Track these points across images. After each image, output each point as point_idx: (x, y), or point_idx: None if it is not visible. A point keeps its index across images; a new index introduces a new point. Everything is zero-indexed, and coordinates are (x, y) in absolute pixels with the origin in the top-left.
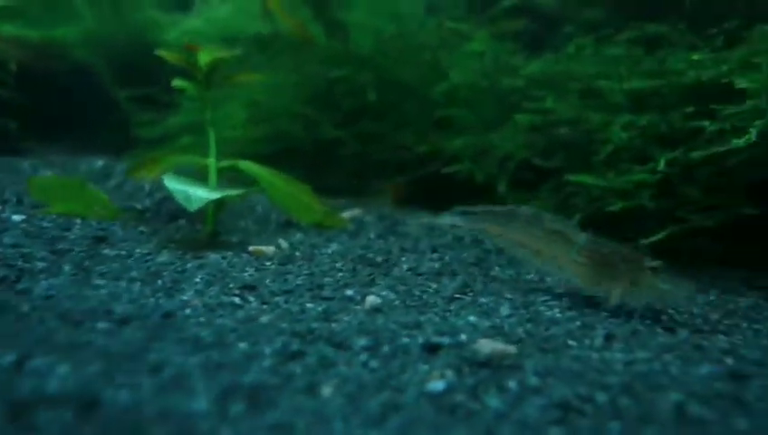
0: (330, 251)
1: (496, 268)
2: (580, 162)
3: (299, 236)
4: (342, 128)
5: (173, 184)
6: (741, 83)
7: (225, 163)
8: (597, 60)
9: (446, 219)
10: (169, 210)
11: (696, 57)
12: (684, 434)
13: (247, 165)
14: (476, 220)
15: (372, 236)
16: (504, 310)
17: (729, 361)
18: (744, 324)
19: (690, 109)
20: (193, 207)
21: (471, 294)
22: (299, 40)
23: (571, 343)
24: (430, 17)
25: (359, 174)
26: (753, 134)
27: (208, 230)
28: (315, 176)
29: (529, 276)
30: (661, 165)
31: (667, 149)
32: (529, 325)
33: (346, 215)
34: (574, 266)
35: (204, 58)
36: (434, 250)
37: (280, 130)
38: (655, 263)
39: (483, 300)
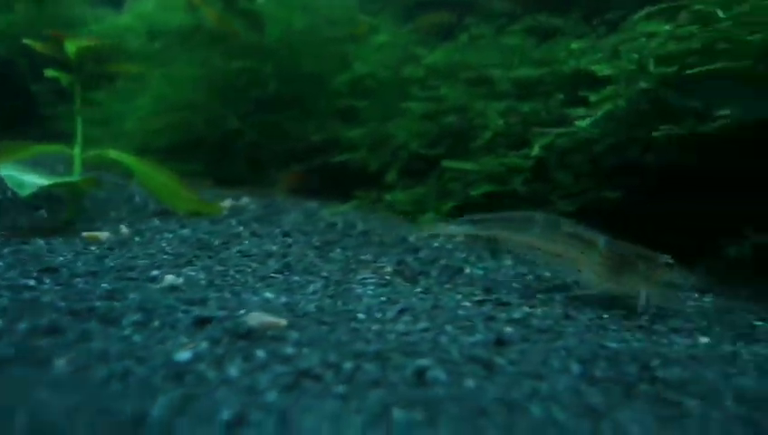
0: (171, 236)
1: (338, 250)
2: (461, 150)
3: (156, 222)
4: (244, 119)
5: (6, 171)
6: (603, 70)
7: (92, 153)
8: (491, 49)
9: (456, 229)
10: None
11: (574, 46)
12: (410, 395)
13: (117, 155)
14: (488, 227)
15: (234, 223)
16: (313, 287)
17: (509, 329)
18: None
19: (560, 96)
20: (25, 193)
21: (287, 273)
22: (220, 32)
23: (361, 316)
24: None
25: (259, 164)
26: (598, 116)
27: (66, 218)
28: (218, 166)
29: (364, 257)
30: (535, 150)
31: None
32: (328, 301)
33: (227, 203)
34: (595, 268)
35: (70, 47)
36: (286, 235)
37: (183, 121)
38: (667, 258)
39: (296, 278)
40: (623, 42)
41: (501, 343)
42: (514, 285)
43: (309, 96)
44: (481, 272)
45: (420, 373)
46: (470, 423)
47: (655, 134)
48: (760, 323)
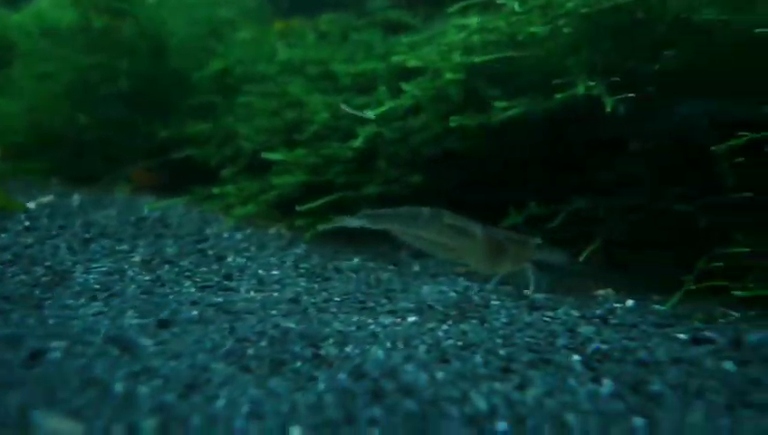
0: None
1: (104, 241)
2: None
3: None
4: (95, 115)
5: None
6: (411, 62)
7: None
8: (340, 45)
9: (353, 222)
10: None
11: (405, 40)
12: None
13: None
14: (381, 221)
15: (23, 217)
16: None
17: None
18: None
19: (383, 88)
20: None
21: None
22: (106, 30)
23: (69, 302)
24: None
25: (114, 161)
26: (385, 108)
27: None
28: (71, 164)
29: (122, 247)
30: (359, 141)
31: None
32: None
33: (45, 199)
34: (473, 256)
35: None
36: (61, 227)
37: (38, 119)
38: (537, 241)
39: None
40: (438, 34)
41: (164, 324)
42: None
43: (171, 93)
44: (243, 261)
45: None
46: None
47: (452, 124)
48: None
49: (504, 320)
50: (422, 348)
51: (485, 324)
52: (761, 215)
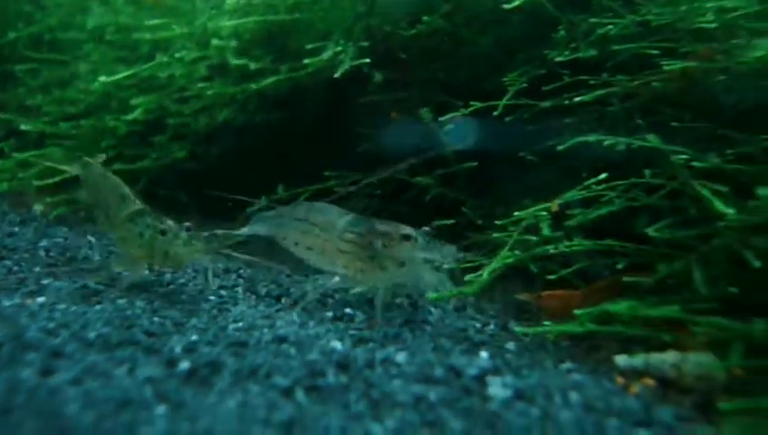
0: None
1: None
2: None
3: None
4: None
5: None
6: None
7: None
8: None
9: (244, 230)
10: None
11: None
12: None
13: None
14: (268, 226)
15: None
16: None
17: None
18: None
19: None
20: None
21: None
22: None
23: None
24: None
25: None
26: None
27: None
28: None
29: None
30: (136, 113)
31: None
32: None
33: None
34: (339, 257)
35: None
36: None
37: None
38: (408, 231)
39: None
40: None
41: None
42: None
43: None
44: None
45: None
46: None
47: (209, 92)
48: None
49: None
50: None
51: None
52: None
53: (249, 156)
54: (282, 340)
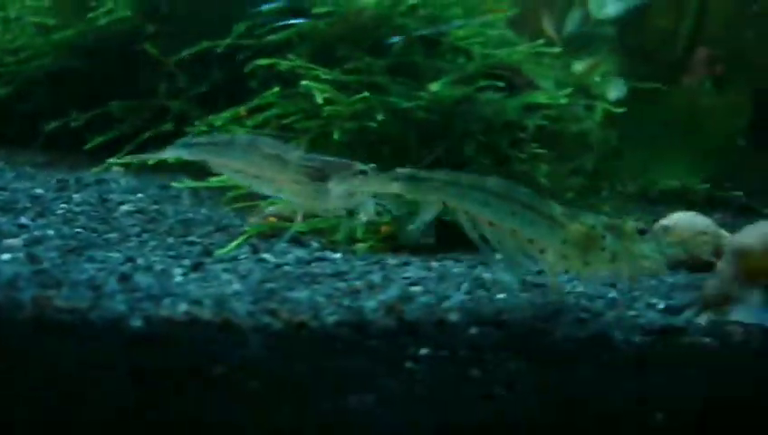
0: None
1: None
2: None
3: None
4: None
5: None
6: None
7: None
8: None
9: (168, 153)
10: None
11: None
12: None
13: None
14: (200, 152)
15: None
16: None
17: None
18: None
19: None
20: None
21: None
22: None
23: None
24: None
25: None
26: None
27: None
28: None
29: None
30: None
31: None
32: None
33: None
34: (291, 186)
35: None
36: None
37: None
38: (366, 167)
39: None
40: None
41: None
42: None
43: None
44: None
45: None
46: None
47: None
48: None
49: None
50: None
51: None
52: None
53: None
54: None
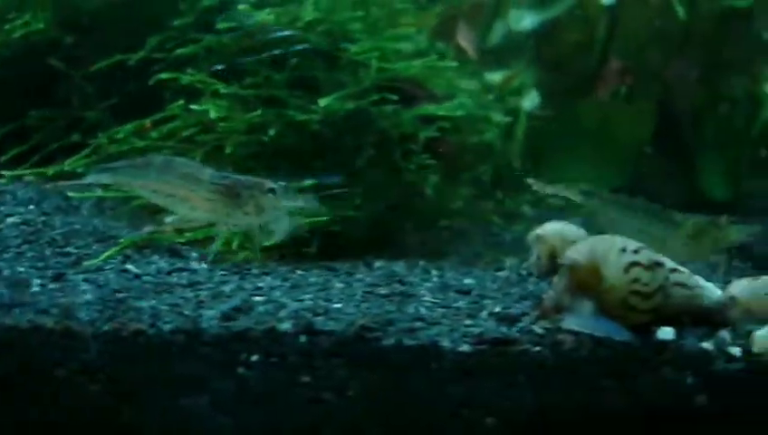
0: None
1: None
2: None
3: None
4: None
5: None
6: None
7: None
8: None
9: (90, 178)
10: None
11: None
12: None
13: None
14: (119, 175)
15: None
16: None
17: None
18: None
19: None
20: None
21: None
22: None
23: None
24: None
25: None
26: None
27: None
28: None
29: None
30: None
31: None
32: None
33: None
34: (204, 204)
35: None
36: None
37: None
38: (275, 185)
39: None
40: None
41: None
42: None
43: None
44: None
45: None
46: None
47: None
48: None
49: None
50: None
51: None
52: None
53: None
54: None
